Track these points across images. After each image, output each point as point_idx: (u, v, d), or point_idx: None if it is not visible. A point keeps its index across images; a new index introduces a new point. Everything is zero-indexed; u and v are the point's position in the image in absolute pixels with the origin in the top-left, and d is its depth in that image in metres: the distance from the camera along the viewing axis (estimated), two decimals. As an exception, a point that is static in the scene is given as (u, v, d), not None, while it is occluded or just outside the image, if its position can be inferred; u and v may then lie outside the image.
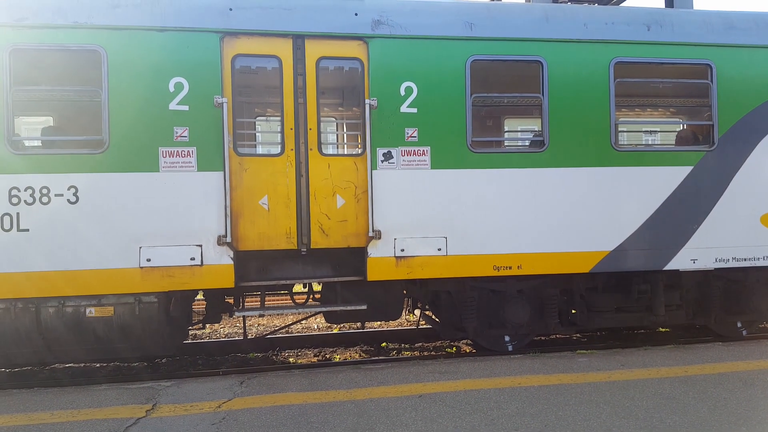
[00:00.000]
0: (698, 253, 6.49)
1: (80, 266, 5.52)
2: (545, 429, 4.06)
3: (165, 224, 5.64)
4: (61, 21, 5.48)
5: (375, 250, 5.95)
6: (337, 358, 7.58)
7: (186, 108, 5.68)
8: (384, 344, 8.12)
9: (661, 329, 8.41)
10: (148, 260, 5.61)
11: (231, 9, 5.78)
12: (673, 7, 7.19)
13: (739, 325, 7.17)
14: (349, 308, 5.99)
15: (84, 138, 5.90)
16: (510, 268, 6.18)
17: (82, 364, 7.28)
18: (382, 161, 5.96)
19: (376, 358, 7.30)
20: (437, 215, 6.04)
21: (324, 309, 6.14)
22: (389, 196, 5.96)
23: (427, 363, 5.90)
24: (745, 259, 6.57)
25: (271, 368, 6.72)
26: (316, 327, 9.28)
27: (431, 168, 6.04)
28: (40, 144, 6.57)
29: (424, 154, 6.03)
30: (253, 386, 5.21)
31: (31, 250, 5.46)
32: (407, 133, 6.01)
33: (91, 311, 5.65)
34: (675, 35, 6.41)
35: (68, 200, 5.51)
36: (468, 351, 7.56)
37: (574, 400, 4.63)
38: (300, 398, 4.81)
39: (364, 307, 6.01)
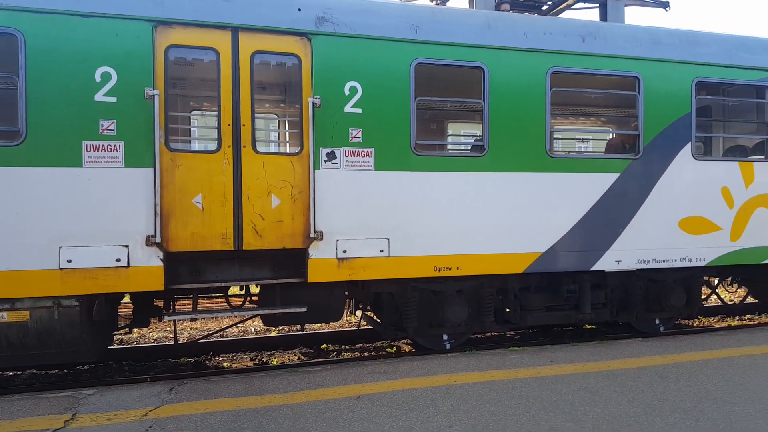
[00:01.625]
0: (622, 255, 6.86)
1: (-9, 267, 5.06)
2: (478, 424, 4.16)
3: (88, 223, 5.27)
4: (-29, -1, 4.98)
5: (316, 252, 5.85)
6: (275, 361, 7.39)
7: (113, 99, 5.32)
8: (324, 346, 8.02)
9: (588, 326, 8.85)
10: (69, 261, 5.22)
11: (165, -4, 5.46)
12: (606, 19, 7.52)
13: (657, 321, 7.66)
14: (288, 310, 5.84)
15: None
16: (450, 269, 6.26)
17: (-9, 373, 6.71)
18: (326, 161, 5.86)
19: (315, 360, 7.19)
20: (380, 217, 6.02)
21: (261, 312, 5.97)
22: (332, 197, 5.87)
23: (366, 364, 5.88)
24: (664, 261, 7.01)
25: (204, 374, 6.45)
26: (253, 330, 9.03)
27: (375, 169, 6.00)
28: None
29: (368, 155, 5.98)
30: (183, 393, 4.99)
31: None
32: (351, 134, 5.93)
33: (3, 316, 5.19)
34: (607, 48, 6.71)
35: (-22, 196, 5.03)
36: (408, 351, 7.62)
37: (506, 396, 4.77)
38: (233, 404, 4.66)
39: (304, 309, 5.89)
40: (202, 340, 7.72)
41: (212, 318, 9.09)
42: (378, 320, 7.03)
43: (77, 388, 5.43)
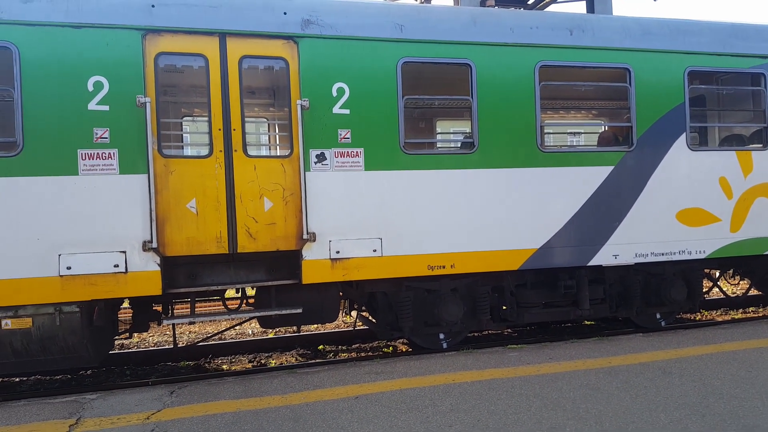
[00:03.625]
0: (619, 249, 6.82)
1: (-7, 276, 5.20)
2: (478, 423, 4.14)
3: (86, 230, 5.39)
4: (-34, 15, 5.14)
5: (310, 253, 5.91)
6: (273, 363, 7.46)
7: (106, 108, 5.45)
8: (321, 347, 8.07)
9: (586, 322, 8.80)
10: (69, 268, 5.34)
11: (153, 6, 5.58)
12: (594, 12, 7.51)
13: (658, 316, 7.60)
14: (283, 312, 5.91)
15: None
16: (444, 267, 6.28)
17: (-1, 380, 6.87)
18: (316, 163, 5.93)
19: (313, 361, 7.24)
20: (372, 216, 6.06)
21: (257, 314, 6.04)
22: (323, 198, 5.93)
23: (363, 364, 5.91)
24: (662, 254, 6.96)
25: (203, 376, 6.54)
26: (250, 333, 9.12)
27: (365, 169, 6.05)
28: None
29: (357, 155, 6.04)
30: (184, 396, 5.06)
31: (-65, 261, 5.10)
32: (340, 135, 5.99)
33: (7, 323, 5.33)
34: (596, 40, 6.70)
35: (-22, 206, 5.18)
36: (404, 350, 7.65)
37: (506, 394, 4.75)
38: (233, 406, 4.71)
39: (299, 310, 5.95)
40: (200, 343, 7.81)
41: (210, 321, 9.21)
42: (373, 320, 7.08)
43: (81, 392, 5.52)
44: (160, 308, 6.54)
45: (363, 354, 7.61)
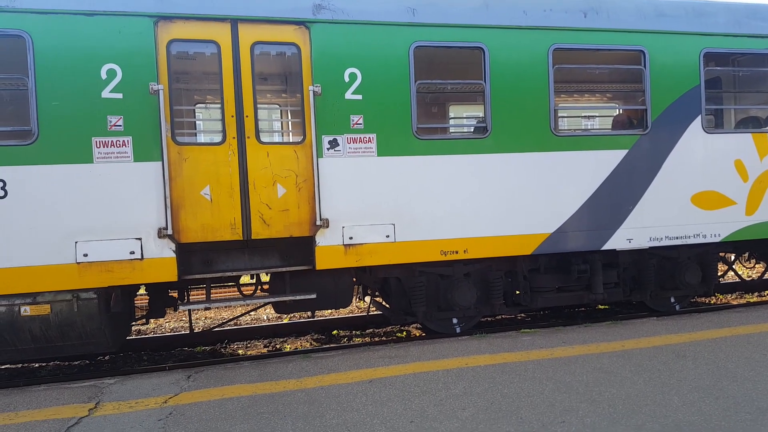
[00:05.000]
0: (634, 233, 6.79)
1: (10, 263, 5.26)
2: (491, 407, 4.16)
3: (102, 217, 5.44)
4: (-21, 4, 5.15)
5: (323, 239, 5.93)
6: (288, 348, 7.54)
7: (120, 96, 5.46)
8: (335, 332, 8.14)
9: (600, 306, 8.79)
10: (85, 255, 5.40)
11: (165, -8, 5.57)
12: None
13: (672, 300, 7.57)
14: (298, 298, 5.95)
15: (10, 129, 5.57)
16: (457, 252, 6.29)
17: (19, 365, 6.97)
18: (328, 149, 5.92)
19: (327, 345, 7.30)
20: (385, 202, 6.07)
21: (272, 299, 6.08)
22: (336, 184, 5.93)
23: (377, 348, 5.93)
24: (677, 237, 6.92)
25: (220, 361, 6.61)
26: (265, 318, 9.20)
27: (377, 155, 6.04)
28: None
29: (370, 141, 6.02)
30: (200, 380, 5.11)
31: (-46, 249, 5.18)
32: (353, 120, 5.98)
33: (26, 310, 5.41)
34: (610, 22, 6.60)
35: (-5, 194, 5.24)
36: (418, 335, 7.68)
37: (518, 378, 4.76)
38: (249, 390, 4.76)
39: (313, 296, 5.99)
40: (216, 329, 7.91)
41: (225, 307, 9.29)
42: (386, 305, 7.10)
43: (99, 377, 5.61)
44: (176, 294, 6.61)
45: (376, 339, 7.66)
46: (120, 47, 5.44)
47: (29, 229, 5.31)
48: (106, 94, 5.44)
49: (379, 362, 5.35)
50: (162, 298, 6.44)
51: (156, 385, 5.01)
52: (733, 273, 8.36)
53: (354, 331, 8.18)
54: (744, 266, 10.86)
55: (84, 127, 5.39)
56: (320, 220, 5.87)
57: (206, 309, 7.61)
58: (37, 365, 7.04)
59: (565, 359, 5.23)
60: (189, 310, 6.67)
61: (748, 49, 7.05)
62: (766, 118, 7.66)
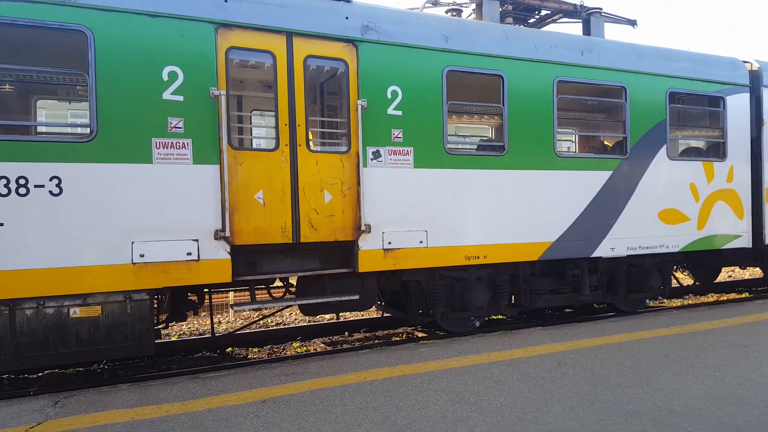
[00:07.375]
0: (615, 243, 7.86)
1: (64, 263, 5.11)
2: (386, 421, 4.13)
3: (159, 218, 5.44)
4: (43, -5, 5.02)
5: (365, 243, 6.31)
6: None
7: (180, 98, 5.53)
8: (294, 343, 8.17)
9: (548, 311, 9.55)
10: (142, 256, 5.36)
11: (226, 0, 5.73)
12: (590, 34, 8.52)
13: (647, 301, 8.76)
14: (344, 299, 6.27)
15: (68, 125, 5.39)
16: (478, 257, 6.94)
17: None
18: (372, 159, 6.34)
19: (223, 363, 6.91)
20: (419, 210, 6.58)
21: (319, 300, 6.29)
22: (378, 193, 6.36)
23: (273, 366, 5.72)
24: (648, 247, 8.10)
25: (95, 384, 6.03)
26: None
27: (414, 167, 6.56)
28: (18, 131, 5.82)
29: (408, 153, 6.53)
30: (70, 406, 4.60)
31: (6, 247, 4.93)
32: (393, 134, 6.45)
33: (76, 311, 5.24)
34: (601, 61, 7.68)
35: (50, 192, 5.07)
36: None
37: (414, 390, 4.78)
38: (127, 415, 4.35)
39: (356, 297, 6.33)
40: (238, 332, 7.83)
41: (273, 307, 8.58)
42: (383, 305, 7.51)
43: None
44: (195, 298, 6.61)
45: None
46: (182, 50, 5.52)
47: (85, 229, 5.19)
48: (167, 95, 5.48)
49: (274, 381, 5.14)
50: (183, 301, 6.42)
51: (16, 414, 4.43)
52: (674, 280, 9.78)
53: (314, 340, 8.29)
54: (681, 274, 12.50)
55: (144, 127, 5.39)
56: (363, 225, 6.25)
57: (256, 309, 7.51)
58: None
59: (459, 369, 5.32)
60: (236, 311, 6.64)
61: (701, 91, 8.48)
62: (712, 149, 9.18)
